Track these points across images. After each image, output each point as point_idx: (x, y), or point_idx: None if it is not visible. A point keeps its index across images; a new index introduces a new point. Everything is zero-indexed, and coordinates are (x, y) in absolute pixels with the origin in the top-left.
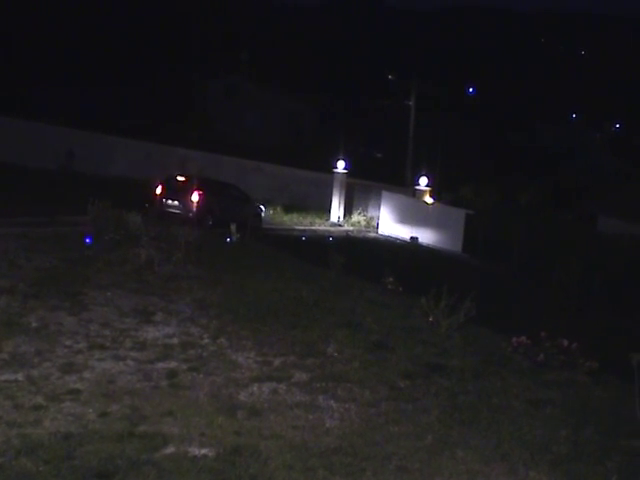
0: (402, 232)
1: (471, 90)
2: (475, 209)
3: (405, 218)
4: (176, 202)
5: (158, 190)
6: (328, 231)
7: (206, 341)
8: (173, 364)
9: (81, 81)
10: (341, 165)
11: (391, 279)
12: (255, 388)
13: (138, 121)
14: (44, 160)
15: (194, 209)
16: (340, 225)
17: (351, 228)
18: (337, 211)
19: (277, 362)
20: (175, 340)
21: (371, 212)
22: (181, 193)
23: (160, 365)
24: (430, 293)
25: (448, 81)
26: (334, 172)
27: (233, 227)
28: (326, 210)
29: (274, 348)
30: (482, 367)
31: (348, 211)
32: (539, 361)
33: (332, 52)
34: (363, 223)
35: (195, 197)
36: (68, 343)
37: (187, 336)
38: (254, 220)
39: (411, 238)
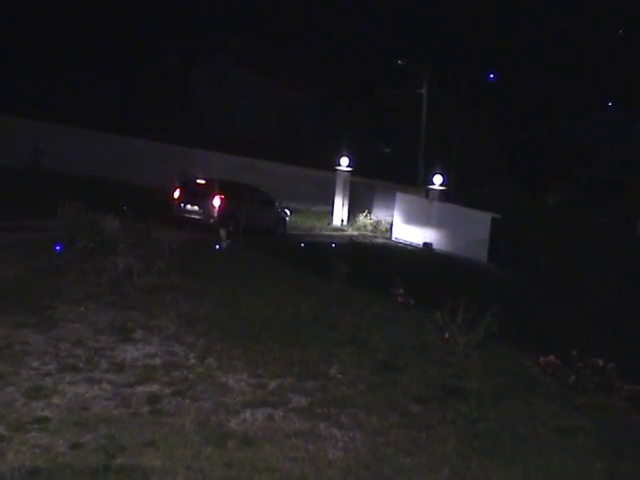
0: (418, 238)
1: (492, 76)
2: (498, 211)
3: (421, 222)
4: (196, 207)
5: (176, 194)
6: (330, 236)
7: (192, 361)
8: (155, 388)
9: (49, 69)
10: (345, 162)
11: (401, 291)
12: (248, 414)
13: (114, 113)
14: (10, 157)
15: (215, 215)
16: (343, 229)
17: (356, 233)
18: (340, 214)
19: (273, 385)
20: (157, 360)
21: (378, 215)
22: (201, 197)
23: (140, 389)
24: (446, 307)
25: (465, 66)
26: (337, 170)
27: (222, 232)
28: (328, 213)
29: (269, 369)
30: (505, 390)
31: (353, 214)
32: (570, 383)
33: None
34: (370, 227)
35: (216, 201)
36: (35, 364)
37: (171, 356)
38: (279, 226)
39: (424, 244)
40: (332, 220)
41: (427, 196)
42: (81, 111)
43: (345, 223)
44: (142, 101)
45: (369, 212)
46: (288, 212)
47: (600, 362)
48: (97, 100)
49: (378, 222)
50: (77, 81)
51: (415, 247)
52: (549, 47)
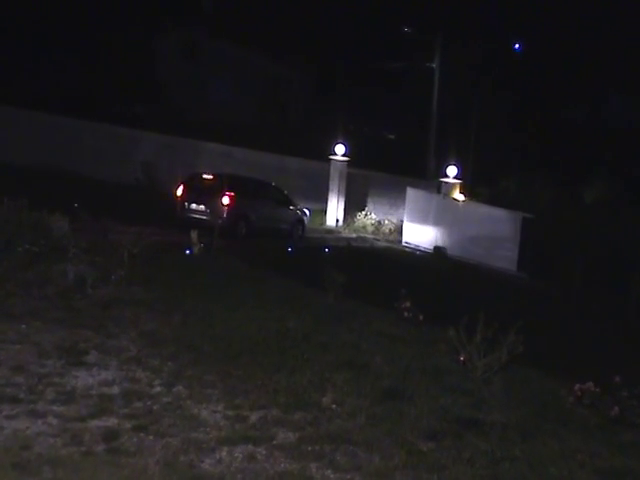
0: (432, 242)
1: (517, 46)
2: (527, 209)
3: (437, 223)
4: (202, 206)
5: (179, 191)
6: (323, 239)
7: (158, 390)
8: (112, 422)
9: None
10: (340, 150)
11: (408, 304)
12: (224, 453)
13: (64, 93)
14: None
15: (224, 215)
16: (339, 231)
17: (354, 235)
18: (335, 212)
19: (254, 417)
20: (115, 389)
21: (381, 214)
22: (208, 195)
23: (94, 423)
24: (461, 323)
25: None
26: (331, 160)
27: (194, 235)
28: (321, 211)
29: (250, 398)
30: (533, 424)
31: (350, 212)
32: (612, 416)
33: None
34: (370, 229)
35: (225, 200)
36: None
37: (132, 383)
38: (296, 228)
39: (435, 249)
40: (325, 219)
41: (439, 191)
42: (23, 90)
43: (341, 223)
44: (99, 78)
45: (369, 211)
46: (307, 212)
47: None
48: (42, 77)
49: (380, 222)
50: (18, 56)
51: (425, 252)
52: (588, 6)
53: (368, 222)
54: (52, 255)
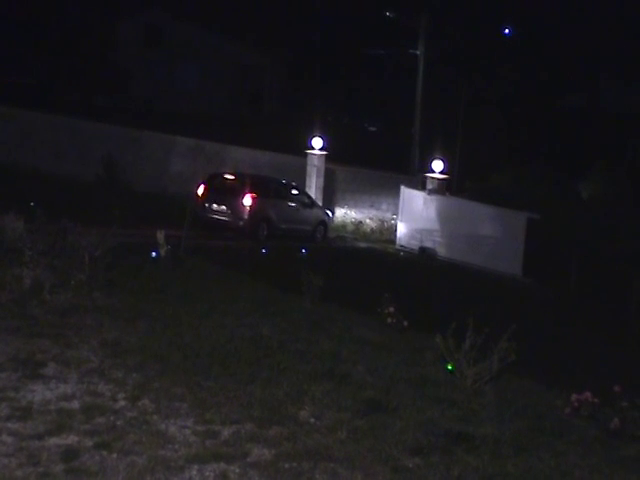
0: (429, 244)
1: (507, 31)
2: (515, 206)
3: (434, 225)
4: (223, 207)
5: (200, 191)
6: (299, 239)
7: (122, 404)
8: (72, 439)
9: None
10: (318, 144)
11: (391, 309)
12: (194, 472)
13: (17, 81)
14: None
15: (246, 216)
16: None
17: (332, 235)
18: None
19: (226, 433)
20: (75, 403)
21: (362, 212)
22: (229, 195)
23: (53, 441)
24: (449, 329)
25: (472, 18)
26: (308, 154)
27: (160, 235)
28: None
29: (222, 412)
30: (527, 437)
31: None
32: (612, 428)
33: None
34: (350, 227)
35: (247, 200)
36: None
37: (93, 397)
38: (319, 229)
39: (421, 249)
40: None
41: (424, 186)
42: None
43: None
44: (55, 66)
45: (349, 209)
46: (330, 214)
47: None
48: None
49: (361, 222)
50: None
51: (409, 252)
52: None
53: (348, 221)
54: (6, 259)
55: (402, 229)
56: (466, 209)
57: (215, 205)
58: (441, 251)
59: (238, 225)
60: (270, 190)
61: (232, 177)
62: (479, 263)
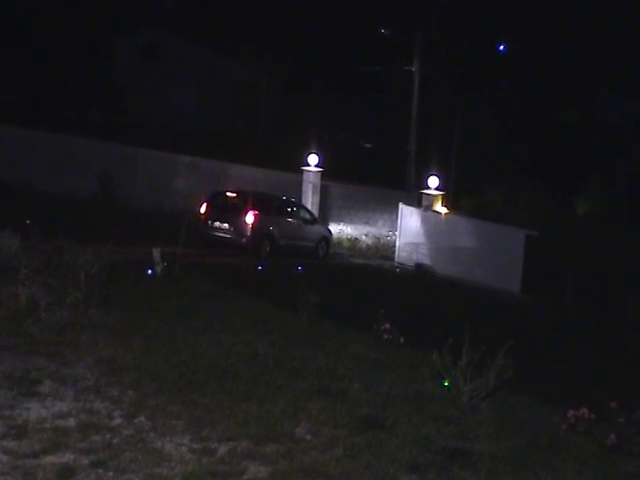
0: (427, 260)
1: (502, 47)
2: (509, 221)
3: (432, 242)
4: (226, 224)
5: (202, 209)
6: (295, 256)
7: (118, 421)
8: (68, 457)
9: None
10: (313, 160)
11: (387, 325)
12: None
13: (13, 99)
14: None
15: (248, 233)
16: None
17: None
18: None
19: (222, 450)
20: (71, 421)
21: (357, 229)
22: (232, 213)
23: (48, 459)
24: (446, 345)
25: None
26: (303, 171)
27: (156, 252)
28: None
29: (218, 430)
30: (524, 454)
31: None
32: (610, 444)
33: None
34: (346, 244)
35: (250, 218)
36: None
37: (89, 415)
38: (321, 246)
39: (417, 265)
40: None
41: (419, 203)
42: None
43: None
44: (51, 84)
45: (345, 225)
46: (331, 230)
47: None
48: None
49: (357, 238)
50: None
51: (404, 269)
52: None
53: (344, 237)
54: (1, 276)
55: (401, 246)
56: (464, 226)
57: (218, 223)
58: (439, 268)
59: (241, 242)
60: (272, 207)
61: (234, 195)
62: (477, 280)
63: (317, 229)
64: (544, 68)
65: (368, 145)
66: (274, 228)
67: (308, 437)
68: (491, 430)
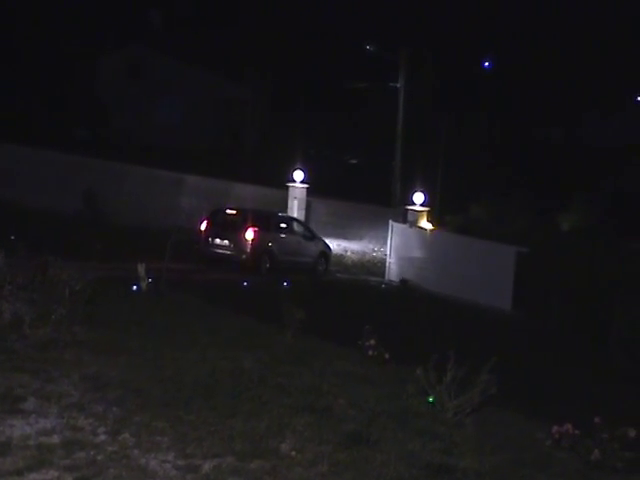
0: (419, 278)
1: (487, 64)
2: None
3: (421, 259)
4: (226, 241)
5: (202, 226)
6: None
7: (102, 438)
8: (52, 475)
9: None
10: (299, 176)
11: (372, 342)
12: None
13: None
14: None
15: (248, 250)
16: None
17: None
18: None
19: (207, 467)
20: (55, 438)
21: (342, 245)
22: (232, 230)
23: (32, 477)
24: (431, 361)
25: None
26: (289, 187)
27: (141, 268)
28: None
29: (203, 446)
30: (508, 470)
31: None
32: (593, 460)
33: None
34: (332, 260)
35: (250, 235)
36: None
37: (74, 431)
38: (320, 262)
39: (401, 281)
40: None
41: (405, 219)
42: None
43: None
44: (35, 99)
45: (331, 241)
46: (330, 247)
47: (633, 432)
48: None
49: (342, 255)
50: None
51: (388, 284)
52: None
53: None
54: None
55: (391, 263)
56: (454, 243)
57: (218, 240)
58: (430, 285)
59: (241, 259)
60: (271, 224)
61: (234, 212)
62: (468, 297)
63: (316, 245)
64: (529, 86)
65: (354, 161)
66: (273, 244)
67: (293, 453)
68: (475, 446)
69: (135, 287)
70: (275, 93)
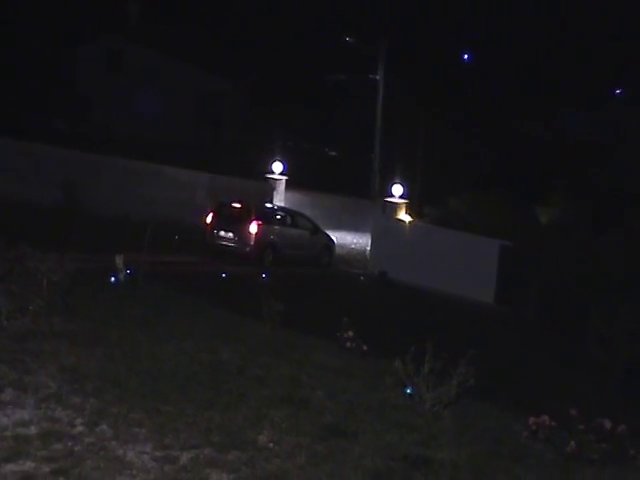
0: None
1: (466, 56)
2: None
3: (402, 251)
4: (230, 234)
5: (208, 219)
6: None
7: (80, 429)
8: (29, 466)
9: None
10: (278, 168)
11: (350, 333)
12: None
13: None
14: None
15: (252, 242)
16: None
17: None
18: None
19: (185, 458)
20: (32, 429)
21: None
22: (236, 222)
23: (9, 468)
24: (409, 353)
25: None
26: (268, 179)
27: (119, 260)
28: None
29: (180, 437)
30: (486, 461)
31: None
32: (569, 452)
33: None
34: None
35: (253, 228)
36: None
37: (51, 422)
38: (323, 255)
39: (380, 273)
40: None
41: (383, 211)
42: None
43: None
44: (13, 90)
45: None
46: (334, 239)
47: (608, 424)
48: None
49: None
50: None
51: (367, 276)
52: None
53: None
54: None
55: (373, 255)
56: (437, 236)
57: (223, 232)
58: (412, 278)
59: (245, 251)
60: (275, 217)
61: (239, 205)
62: (450, 290)
63: (319, 238)
64: (509, 79)
65: (333, 153)
66: (277, 237)
67: (271, 445)
68: (453, 438)
69: (113, 279)
70: (254, 85)
